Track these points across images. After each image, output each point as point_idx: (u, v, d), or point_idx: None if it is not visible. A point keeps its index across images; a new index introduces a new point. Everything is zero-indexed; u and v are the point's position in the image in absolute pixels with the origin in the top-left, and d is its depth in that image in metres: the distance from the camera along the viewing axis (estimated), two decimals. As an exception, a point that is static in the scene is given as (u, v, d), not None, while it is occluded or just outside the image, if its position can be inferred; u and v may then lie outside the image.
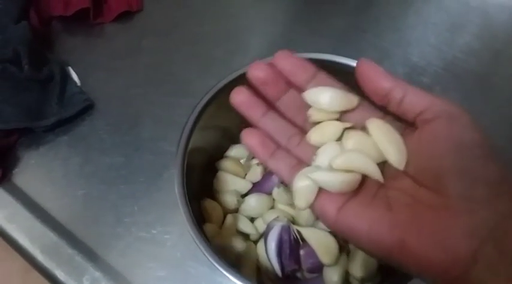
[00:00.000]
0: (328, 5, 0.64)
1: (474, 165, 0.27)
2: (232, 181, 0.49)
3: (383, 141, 0.30)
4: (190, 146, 0.43)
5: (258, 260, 0.47)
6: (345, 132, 0.32)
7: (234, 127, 0.49)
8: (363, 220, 0.28)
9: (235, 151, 0.51)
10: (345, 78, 0.37)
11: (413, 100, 0.29)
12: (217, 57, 0.61)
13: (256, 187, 0.50)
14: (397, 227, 0.27)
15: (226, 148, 0.51)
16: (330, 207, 0.29)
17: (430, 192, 0.27)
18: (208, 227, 0.46)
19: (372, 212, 0.28)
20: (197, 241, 0.39)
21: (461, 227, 0.25)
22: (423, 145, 0.29)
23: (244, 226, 0.48)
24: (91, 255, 0.48)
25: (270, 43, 0.62)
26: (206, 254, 0.38)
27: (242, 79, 0.42)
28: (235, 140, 0.51)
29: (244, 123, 0.34)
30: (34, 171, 0.54)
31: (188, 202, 0.40)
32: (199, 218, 0.46)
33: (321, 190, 0.30)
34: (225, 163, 0.50)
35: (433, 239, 0.26)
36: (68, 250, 0.48)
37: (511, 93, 0.57)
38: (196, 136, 0.44)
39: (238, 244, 0.45)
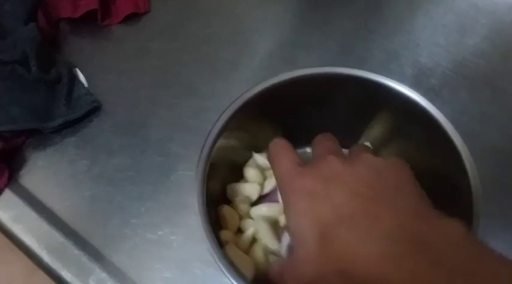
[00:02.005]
0: (336, 6, 0.64)
1: None
2: (247, 188, 0.48)
3: None
4: (212, 154, 0.42)
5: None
6: None
7: (257, 137, 0.48)
8: None
9: (257, 160, 0.50)
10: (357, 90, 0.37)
11: None
12: (225, 59, 0.61)
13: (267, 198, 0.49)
14: None
15: (248, 157, 0.50)
16: None
17: None
18: (225, 234, 0.46)
19: None
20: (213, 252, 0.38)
21: None
22: None
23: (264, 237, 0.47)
24: (97, 256, 0.48)
25: (277, 44, 0.61)
26: (220, 264, 0.37)
27: (272, 90, 0.43)
28: (258, 149, 0.50)
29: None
30: (41, 172, 0.54)
31: (207, 210, 0.39)
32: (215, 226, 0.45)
33: None
34: (246, 171, 0.49)
35: None
36: (75, 251, 0.48)
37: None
38: (220, 143, 0.43)
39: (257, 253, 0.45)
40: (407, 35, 0.61)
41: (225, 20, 0.64)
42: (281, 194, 0.34)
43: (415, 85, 0.57)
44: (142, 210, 0.51)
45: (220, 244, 0.38)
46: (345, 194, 0.29)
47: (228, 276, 0.35)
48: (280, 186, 0.34)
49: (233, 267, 0.36)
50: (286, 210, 0.32)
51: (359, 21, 0.63)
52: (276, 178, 0.35)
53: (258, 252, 0.44)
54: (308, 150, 0.50)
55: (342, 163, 0.31)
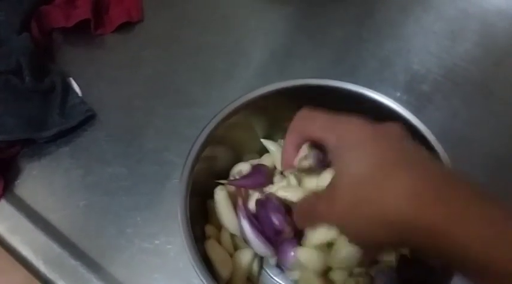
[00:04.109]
0: (329, 14, 0.65)
1: None
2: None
3: None
4: (197, 164, 0.43)
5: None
6: None
7: (241, 145, 0.50)
8: None
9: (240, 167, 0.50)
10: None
11: None
12: (219, 68, 0.61)
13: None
14: None
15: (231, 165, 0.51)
16: None
17: None
18: (209, 229, 0.47)
19: None
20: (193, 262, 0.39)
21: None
22: None
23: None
24: (94, 266, 0.48)
25: (271, 52, 0.62)
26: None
27: (258, 101, 0.45)
28: (241, 158, 0.51)
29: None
30: (36, 182, 0.54)
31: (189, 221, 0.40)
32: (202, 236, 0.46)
33: None
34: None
35: None
36: (71, 262, 0.48)
37: (510, 101, 0.57)
38: (205, 152, 0.44)
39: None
40: (399, 42, 0.62)
41: (218, 29, 0.64)
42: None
43: (407, 92, 0.58)
44: (138, 220, 0.51)
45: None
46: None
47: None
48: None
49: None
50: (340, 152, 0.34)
51: (351, 29, 0.63)
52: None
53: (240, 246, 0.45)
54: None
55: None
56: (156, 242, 0.49)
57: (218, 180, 0.47)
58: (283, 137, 0.51)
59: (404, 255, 0.43)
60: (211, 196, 0.47)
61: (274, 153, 0.50)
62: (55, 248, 0.49)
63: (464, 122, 0.56)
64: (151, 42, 0.64)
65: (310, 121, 0.38)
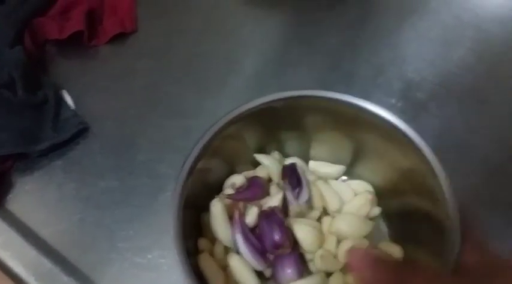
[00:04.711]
0: (323, 21, 0.64)
1: None
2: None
3: None
4: (190, 177, 0.42)
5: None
6: None
7: (234, 157, 0.50)
8: None
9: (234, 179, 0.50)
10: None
11: None
12: (213, 77, 0.61)
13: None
14: None
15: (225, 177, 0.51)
16: None
17: None
18: (202, 243, 0.46)
19: None
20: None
21: None
22: None
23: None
24: (86, 281, 0.48)
25: (265, 61, 0.61)
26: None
27: (253, 113, 0.44)
28: (234, 170, 0.51)
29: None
30: (28, 196, 0.53)
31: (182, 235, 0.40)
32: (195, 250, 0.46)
33: None
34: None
35: None
36: (63, 277, 0.48)
37: (507, 107, 0.57)
38: (199, 165, 0.43)
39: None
40: (393, 50, 0.61)
41: (212, 39, 0.64)
42: None
43: (402, 99, 0.57)
44: (131, 233, 0.50)
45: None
46: None
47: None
48: None
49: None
50: None
51: (346, 36, 0.63)
52: None
53: (233, 261, 0.44)
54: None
55: None
56: (149, 256, 0.49)
57: (212, 192, 0.47)
58: (276, 148, 0.50)
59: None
60: (204, 208, 0.46)
61: (268, 166, 0.49)
62: (46, 263, 0.49)
63: (460, 129, 0.56)
64: (145, 53, 0.63)
65: None
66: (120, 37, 0.64)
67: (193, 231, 0.46)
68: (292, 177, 0.47)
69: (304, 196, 0.46)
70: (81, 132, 0.56)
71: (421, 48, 0.61)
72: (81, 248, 0.50)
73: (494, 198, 0.52)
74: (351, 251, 0.39)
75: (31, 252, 0.49)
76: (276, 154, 0.51)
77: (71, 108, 0.58)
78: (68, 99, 0.59)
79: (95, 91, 0.60)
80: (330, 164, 0.52)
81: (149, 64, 0.62)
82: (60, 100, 0.58)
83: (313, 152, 0.52)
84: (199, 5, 0.66)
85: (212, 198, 0.46)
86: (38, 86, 0.58)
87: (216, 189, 0.48)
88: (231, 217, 0.45)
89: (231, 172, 0.50)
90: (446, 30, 0.62)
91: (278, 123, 0.48)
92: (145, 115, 0.58)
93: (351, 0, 0.65)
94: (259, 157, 0.50)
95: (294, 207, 0.46)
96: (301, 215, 0.46)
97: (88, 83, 0.61)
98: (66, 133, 0.56)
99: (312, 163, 0.52)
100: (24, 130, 0.55)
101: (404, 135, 0.41)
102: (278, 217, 0.44)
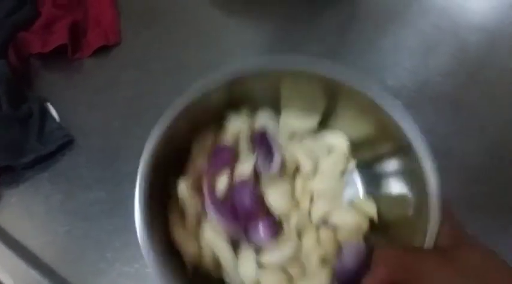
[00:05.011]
0: (305, 29, 0.65)
1: None
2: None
3: None
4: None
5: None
6: None
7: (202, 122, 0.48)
8: None
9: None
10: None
11: None
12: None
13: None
14: None
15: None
16: None
17: None
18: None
19: None
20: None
21: None
22: None
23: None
24: (75, 293, 0.48)
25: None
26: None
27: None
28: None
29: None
30: (15, 209, 0.54)
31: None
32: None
33: None
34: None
35: None
36: (52, 289, 0.48)
37: (486, 114, 0.58)
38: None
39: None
40: (373, 58, 0.63)
41: (195, 49, 0.64)
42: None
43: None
44: (118, 244, 0.51)
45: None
46: None
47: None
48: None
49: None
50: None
51: (326, 45, 0.64)
52: None
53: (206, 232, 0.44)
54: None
55: None
56: (136, 265, 0.50)
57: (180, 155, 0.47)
58: (246, 99, 0.48)
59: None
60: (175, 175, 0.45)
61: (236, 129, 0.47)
62: (35, 275, 0.49)
63: (440, 136, 0.57)
64: (130, 64, 0.64)
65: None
66: (103, 49, 0.65)
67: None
68: (263, 146, 0.45)
69: (275, 165, 0.45)
70: (66, 144, 0.57)
71: (401, 56, 0.62)
72: (69, 260, 0.50)
73: (472, 202, 0.53)
74: (379, 255, 0.37)
75: (19, 264, 0.50)
76: (245, 111, 0.48)
77: (56, 121, 0.58)
78: (53, 112, 0.59)
79: (80, 103, 0.60)
80: (302, 116, 0.49)
81: (133, 75, 0.63)
82: (45, 113, 0.59)
83: (284, 101, 0.49)
84: (182, 16, 0.67)
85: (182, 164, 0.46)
86: (22, 100, 0.58)
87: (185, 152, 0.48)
88: (201, 189, 0.44)
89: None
90: (425, 38, 0.63)
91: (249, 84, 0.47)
92: (130, 127, 0.58)
93: (331, 10, 0.66)
94: (228, 120, 0.48)
95: (265, 175, 0.45)
96: (273, 180, 0.45)
97: (72, 96, 0.61)
98: (51, 145, 0.56)
99: (284, 116, 0.50)
100: (9, 143, 0.55)
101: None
102: (249, 186, 0.43)
